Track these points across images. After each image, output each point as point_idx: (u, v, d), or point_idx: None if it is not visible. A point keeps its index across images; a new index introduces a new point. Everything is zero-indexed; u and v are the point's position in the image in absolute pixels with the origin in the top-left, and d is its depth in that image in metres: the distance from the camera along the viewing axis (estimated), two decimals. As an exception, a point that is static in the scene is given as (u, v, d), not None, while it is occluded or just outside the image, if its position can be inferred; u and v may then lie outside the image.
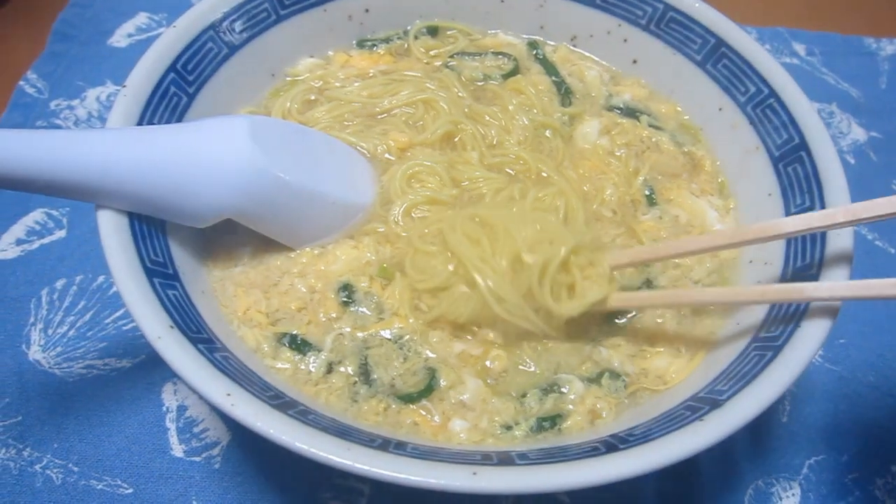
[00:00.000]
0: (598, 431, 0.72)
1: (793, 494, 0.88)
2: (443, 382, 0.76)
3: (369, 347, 0.78)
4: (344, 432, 0.61)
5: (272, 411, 0.60)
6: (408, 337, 0.79)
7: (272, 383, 0.67)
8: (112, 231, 0.69)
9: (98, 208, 0.70)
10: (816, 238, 0.76)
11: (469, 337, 0.79)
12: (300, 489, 0.83)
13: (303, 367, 0.76)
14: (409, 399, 0.74)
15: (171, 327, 0.64)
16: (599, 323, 0.83)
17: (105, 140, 0.69)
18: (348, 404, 0.74)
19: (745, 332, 0.75)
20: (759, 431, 0.91)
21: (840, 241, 0.74)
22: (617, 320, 0.83)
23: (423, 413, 0.74)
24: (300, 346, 0.77)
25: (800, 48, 1.38)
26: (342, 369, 0.76)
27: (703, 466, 0.87)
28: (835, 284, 0.69)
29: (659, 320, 0.83)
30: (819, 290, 0.68)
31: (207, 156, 0.72)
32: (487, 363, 0.78)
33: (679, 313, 0.83)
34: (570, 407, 0.76)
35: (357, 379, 0.76)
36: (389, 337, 0.79)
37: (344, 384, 0.75)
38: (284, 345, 0.77)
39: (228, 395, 0.60)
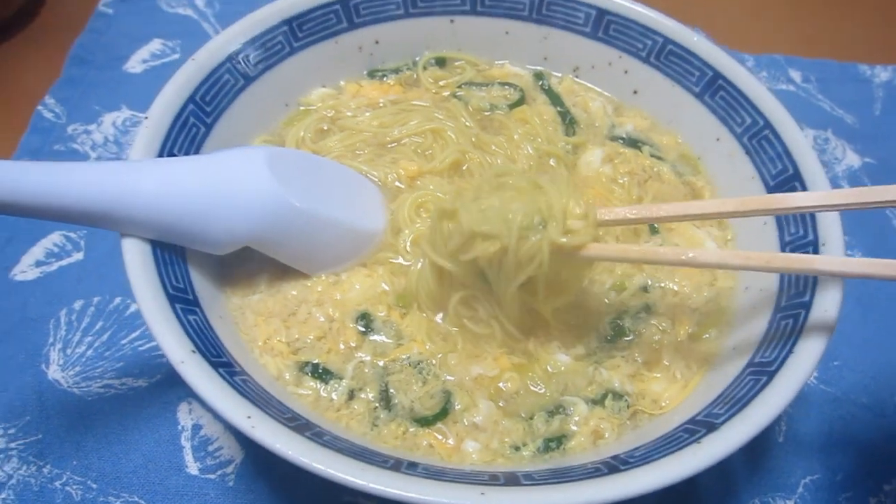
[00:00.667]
0: (599, 452, 0.75)
1: (789, 513, 0.91)
2: (457, 405, 0.79)
3: (390, 374, 0.81)
4: (358, 453, 0.64)
5: (290, 433, 0.63)
6: (426, 361, 0.82)
7: (294, 408, 0.70)
8: (136, 258, 0.72)
9: (123, 236, 0.74)
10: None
11: (487, 358, 0.83)
12: (311, 507, 0.86)
13: (324, 394, 0.79)
14: (425, 422, 0.77)
15: (193, 352, 0.67)
16: (601, 340, 0.86)
17: (132, 172, 0.72)
18: (368, 428, 0.77)
19: (740, 357, 0.78)
20: (756, 451, 0.93)
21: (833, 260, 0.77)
22: (619, 339, 0.86)
23: (439, 436, 0.77)
24: (322, 374, 0.80)
25: (796, 75, 1.41)
26: (363, 396, 0.79)
27: (702, 485, 0.90)
28: (844, 259, 0.70)
29: (656, 346, 0.86)
30: (828, 263, 0.69)
31: (228, 186, 0.76)
32: (501, 385, 0.81)
33: (676, 340, 0.86)
34: (574, 428, 0.79)
35: (378, 405, 0.79)
36: (408, 362, 0.82)
37: (365, 410, 0.78)
38: (307, 373, 0.80)
39: (249, 417, 0.63)
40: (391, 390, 0.80)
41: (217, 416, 0.90)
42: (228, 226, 0.76)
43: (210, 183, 0.75)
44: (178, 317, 0.70)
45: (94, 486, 0.85)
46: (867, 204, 0.69)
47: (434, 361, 0.82)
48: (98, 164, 0.74)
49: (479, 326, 0.84)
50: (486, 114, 1.05)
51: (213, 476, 0.87)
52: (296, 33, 0.99)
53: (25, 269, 1.03)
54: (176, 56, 1.33)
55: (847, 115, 1.35)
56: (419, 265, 0.86)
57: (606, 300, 0.89)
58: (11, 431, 0.88)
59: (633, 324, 0.87)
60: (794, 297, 0.79)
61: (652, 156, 1.02)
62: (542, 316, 0.84)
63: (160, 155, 0.82)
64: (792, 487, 0.92)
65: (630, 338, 0.87)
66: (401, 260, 0.89)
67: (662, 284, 0.91)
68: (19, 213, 0.67)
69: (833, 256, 0.71)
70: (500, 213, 0.74)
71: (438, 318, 0.85)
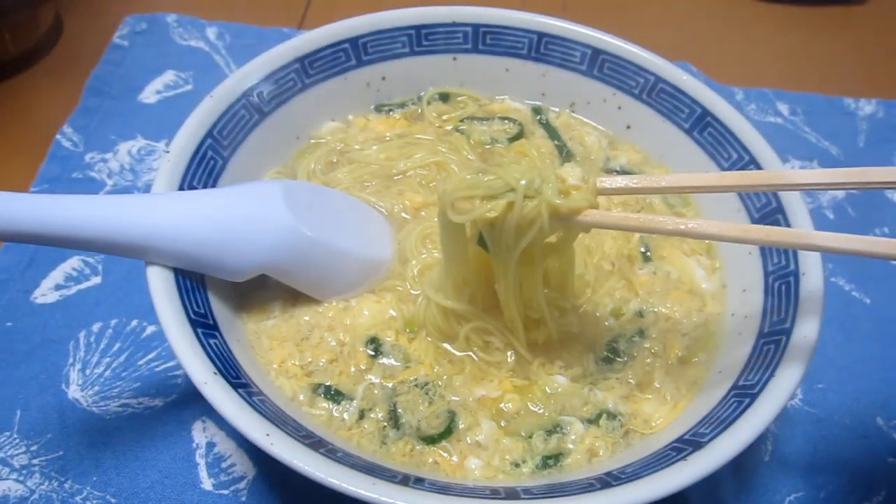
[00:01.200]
0: (593, 469, 0.80)
1: (774, 529, 0.95)
2: (461, 424, 0.84)
3: (398, 395, 0.86)
4: (369, 469, 0.69)
5: (306, 450, 0.68)
6: (433, 382, 0.87)
7: (308, 427, 0.75)
8: (161, 285, 0.77)
9: (148, 265, 0.79)
10: (791, 289, 0.85)
11: (492, 381, 0.87)
12: (320, 521, 0.90)
13: (336, 414, 0.84)
14: (430, 440, 0.82)
15: (215, 373, 0.72)
16: (597, 361, 0.91)
17: (158, 206, 0.78)
18: (377, 446, 0.82)
19: (725, 380, 0.83)
20: (742, 470, 0.97)
21: (812, 290, 0.83)
22: (614, 361, 0.91)
23: (444, 453, 0.82)
24: (334, 396, 0.85)
25: (783, 108, 1.47)
26: (372, 415, 0.84)
27: (692, 500, 0.94)
28: (836, 235, 0.70)
29: (648, 368, 0.91)
30: (823, 239, 0.70)
31: (247, 218, 0.81)
32: (502, 405, 0.86)
33: (667, 363, 0.91)
34: (571, 446, 0.84)
35: (386, 424, 0.83)
36: (416, 383, 0.87)
37: (374, 429, 0.83)
38: (320, 395, 0.85)
39: (268, 435, 0.68)
40: (399, 410, 0.84)
41: (231, 434, 0.94)
42: (246, 255, 0.82)
43: (230, 215, 0.81)
44: (199, 340, 0.75)
45: (114, 500, 0.89)
46: (866, 184, 0.72)
47: (440, 383, 0.87)
48: (124, 197, 0.79)
49: (491, 355, 0.88)
50: (487, 147, 1.10)
51: (226, 492, 0.91)
52: (307, 70, 1.04)
53: (46, 293, 1.07)
54: (189, 87, 1.38)
55: (832, 146, 1.40)
56: (423, 304, 0.90)
57: (606, 323, 0.94)
58: (34, 448, 0.92)
59: (627, 347, 0.92)
60: (776, 323, 0.84)
61: (644, 188, 1.07)
62: (545, 327, 0.88)
63: (181, 187, 0.87)
64: (778, 504, 0.96)
65: (624, 360, 0.91)
66: (409, 286, 0.94)
67: (656, 309, 0.95)
68: (51, 243, 0.73)
69: (829, 233, 0.71)
70: (501, 177, 0.75)
71: (447, 344, 0.90)
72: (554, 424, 0.85)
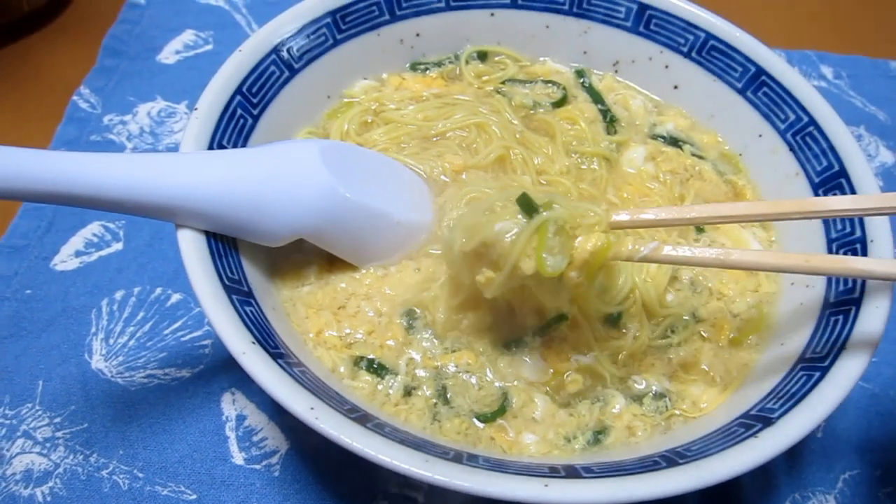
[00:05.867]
0: (635, 450, 0.76)
1: (828, 508, 0.91)
2: (514, 402, 0.80)
3: (445, 378, 0.81)
4: (419, 445, 0.64)
5: (353, 424, 0.63)
6: (478, 372, 0.82)
7: (352, 400, 0.70)
8: (192, 249, 0.73)
9: (178, 228, 0.74)
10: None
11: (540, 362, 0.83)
12: (357, 498, 0.86)
13: (381, 388, 0.80)
14: (485, 418, 0.78)
15: (253, 343, 0.68)
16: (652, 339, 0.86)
17: (191, 163, 0.73)
18: (428, 423, 0.78)
19: (789, 354, 0.79)
20: (795, 447, 0.91)
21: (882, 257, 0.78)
22: (661, 340, 0.87)
23: (499, 431, 0.78)
24: (377, 369, 0.81)
25: (827, 71, 1.41)
26: (420, 393, 0.80)
27: (743, 481, 0.90)
28: (886, 261, 0.67)
29: (696, 349, 0.87)
30: (869, 265, 0.66)
31: (285, 179, 0.76)
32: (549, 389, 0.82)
33: (717, 345, 0.87)
34: (609, 423, 0.80)
35: (437, 400, 0.79)
36: (457, 370, 0.82)
37: (424, 405, 0.79)
38: (361, 368, 0.81)
39: (312, 408, 0.63)
40: (449, 395, 0.80)
41: (262, 407, 0.91)
42: (284, 218, 0.77)
43: (267, 176, 0.76)
44: (235, 308, 0.71)
45: (141, 475, 0.86)
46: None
47: (487, 369, 0.82)
48: (154, 155, 0.74)
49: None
50: (530, 112, 1.05)
51: (258, 466, 0.87)
52: (339, 25, 0.99)
53: (66, 259, 1.03)
54: (209, 47, 1.33)
55: (879, 111, 1.35)
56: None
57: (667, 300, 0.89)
58: (57, 420, 0.89)
59: (681, 329, 0.88)
60: (844, 293, 0.79)
61: (693, 154, 1.02)
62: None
63: (210, 147, 0.82)
64: (831, 483, 0.92)
65: (675, 341, 0.87)
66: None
67: (710, 284, 0.91)
68: (77, 204, 0.68)
69: (876, 259, 0.69)
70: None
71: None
72: (596, 396, 0.81)
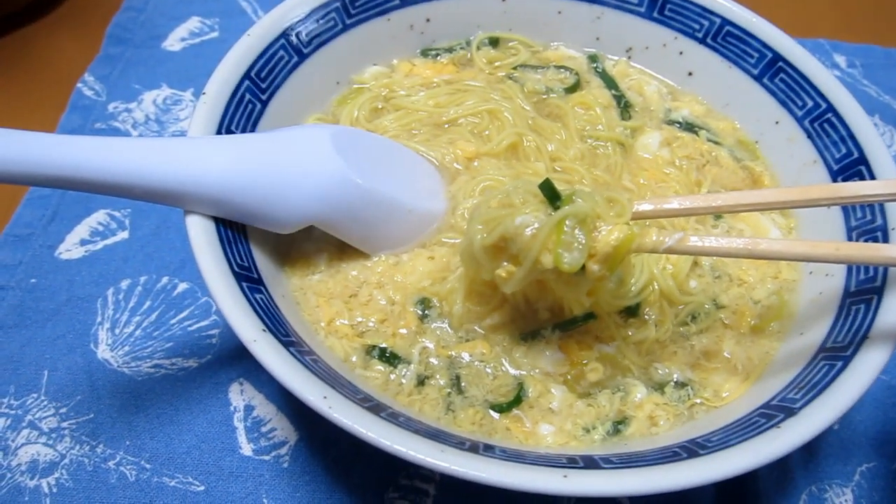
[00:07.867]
0: (654, 441, 0.74)
1: (845, 500, 0.89)
2: (531, 392, 0.78)
3: (459, 367, 0.80)
4: (434, 435, 0.63)
5: (367, 414, 0.62)
6: (493, 362, 0.81)
7: (365, 390, 0.69)
8: (201, 235, 0.71)
9: (187, 214, 0.72)
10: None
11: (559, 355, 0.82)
12: (368, 489, 0.84)
13: (393, 377, 0.78)
14: (500, 409, 0.77)
15: (264, 330, 0.66)
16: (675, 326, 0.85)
17: (200, 148, 0.71)
18: (442, 413, 0.76)
19: (810, 343, 0.77)
20: (812, 439, 0.92)
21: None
22: (682, 328, 0.85)
23: (515, 421, 0.76)
24: (389, 359, 0.79)
25: (841, 60, 1.39)
26: (433, 382, 0.79)
27: (760, 472, 0.88)
28: None
29: (718, 337, 0.85)
30: None
31: (296, 165, 0.75)
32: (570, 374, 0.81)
33: (739, 332, 0.85)
34: (631, 413, 0.78)
35: (450, 390, 0.78)
36: (471, 359, 0.81)
37: (437, 395, 0.78)
38: (374, 357, 0.79)
39: (325, 397, 0.62)
40: (463, 384, 0.79)
41: (270, 398, 0.89)
42: (295, 204, 0.75)
43: (277, 161, 0.74)
44: (245, 295, 0.69)
45: (148, 466, 0.85)
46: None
47: (502, 359, 0.81)
48: (163, 140, 0.73)
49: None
50: (543, 97, 1.03)
51: (267, 457, 0.86)
52: (348, 9, 0.97)
53: (70, 248, 1.02)
54: (214, 34, 1.31)
55: (894, 100, 1.34)
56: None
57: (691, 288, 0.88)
58: (63, 411, 0.87)
59: (703, 317, 0.86)
60: (865, 281, 0.78)
61: (709, 140, 1.01)
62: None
63: (219, 132, 0.80)
64: (848, 475, 0.91)
65: (696, 329, 0.85)
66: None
67: (730, 271, 0.90)
68: (84, 188, 0.66)
69: None
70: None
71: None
72: (616, 385, 0.80)
